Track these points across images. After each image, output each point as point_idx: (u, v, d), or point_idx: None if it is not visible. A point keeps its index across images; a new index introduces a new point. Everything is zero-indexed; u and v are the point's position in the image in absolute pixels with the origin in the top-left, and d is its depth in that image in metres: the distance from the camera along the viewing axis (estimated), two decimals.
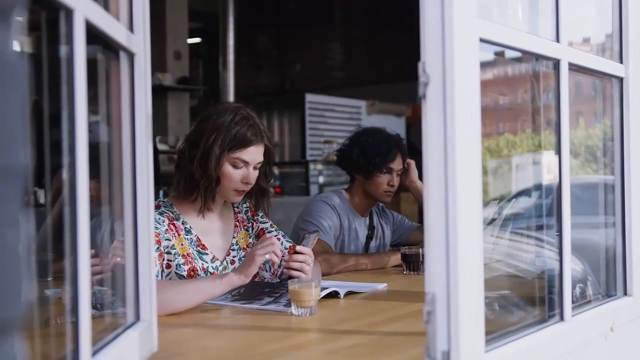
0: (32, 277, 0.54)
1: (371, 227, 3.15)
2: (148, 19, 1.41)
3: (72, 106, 1.01)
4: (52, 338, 1.30)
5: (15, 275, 0.51)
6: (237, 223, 2.38)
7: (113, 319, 1.43)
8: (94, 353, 1.09)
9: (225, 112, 2.20)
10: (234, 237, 2.34)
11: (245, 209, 2.42)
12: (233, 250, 2.33)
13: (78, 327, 1.00)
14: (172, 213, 2.21)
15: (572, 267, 1.58)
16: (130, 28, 1.35)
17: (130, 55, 1.35)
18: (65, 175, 1.02)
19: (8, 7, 0.51)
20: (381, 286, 2.36)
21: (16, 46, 0.53)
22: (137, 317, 1.37)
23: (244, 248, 2.35)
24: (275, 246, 1.99)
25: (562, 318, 1.52)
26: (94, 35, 1.12)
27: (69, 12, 1.00)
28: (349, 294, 2.18)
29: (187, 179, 2.20)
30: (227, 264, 2.28)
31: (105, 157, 1.36)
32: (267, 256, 1.96)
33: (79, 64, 1.02)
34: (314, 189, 7.46)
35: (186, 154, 2.20)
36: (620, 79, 1.82)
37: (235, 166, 2.19)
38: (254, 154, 2.21)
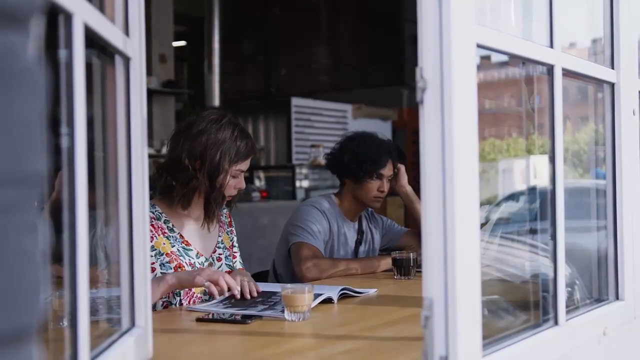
0: (47, 284, 0.54)
1: (360, 232, 3.15)
2: (143, 22, 1.40)
3: (71, 110, 1.00)
4: (46, 344, 1.28)
5: (33, 282, 0.51)
6: (221, 223, 2.47)
7: (107, 325, 1.42)
8: (92, 359, 1.08)
9: (222, 128, 2.27)
10: (219, 236, 2.43)
11: (224, 214, 2.51)
12: (219, 247, 2.41)
13: (77, 333, 0.99)
14: (153, 213, 2.23)
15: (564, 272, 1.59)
16: (126, 32, 1.35)
17: (126, 60, 1.34)
18: (63, 179, 1.01)
19: (26, 13, 0.50)
20: (372, 291, 2.36)
21: (33, 52, 0.52)
22: (133, 323, 1.36)
23: (228, 247, 2.45)
24: (220, 280, 2.04)
25: (556, 322, 1.52)
26: (90, 39, 1.12)
27: (68, 17, 0.99)
28: (343, 297, 2.18)
29: (192, 192, 2.26)
30: (213, 260, 2.37)
31: (99, 161, 1.35)
32: (206, 284, 2.01)
33: (78, 68, 1.01)
34: (300, 193, 7.45)
35: (190, 167, 2.22)
36: (612, 85, 1.83)
37: (234, 177, 2.30)
38: (249, 162, 2.35)
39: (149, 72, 7.57)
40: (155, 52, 7.80)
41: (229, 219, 2.52)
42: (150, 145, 7.31)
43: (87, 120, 1.07)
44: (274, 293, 2.16)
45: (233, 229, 2.52)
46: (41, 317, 0.54)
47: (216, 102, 8.50)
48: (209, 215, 2.31)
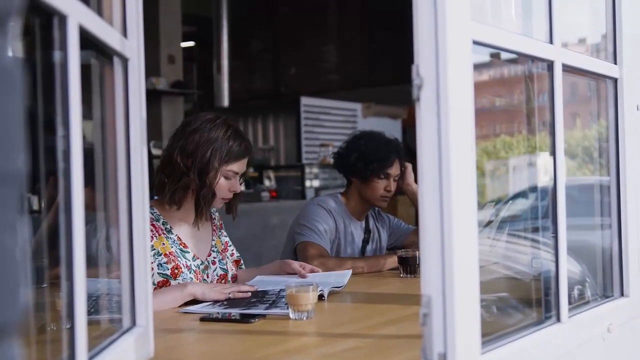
0: (29, 282, 0.55)
1: (367, 231, 3.15)
2: (142, 24, 1.40)
3: (67, 111, 1.01)
4: (46, 344, 1.29)
5: (13, 280, 0.51)
6: (214, 227, 2.50)
7: (108, 324, 1.43)
8: (90, 358, 1.09)
9: (216, 127, 2.30)
10: (213, 240, 2.47)
11: (216, 218, 2.55)
12: (213, 251, 2.44)
13: (74, 333, 1.00)
14: (152, 214, 2.26)
15: (570, 268, 1.58)
16: (124, 33, 1.35)
17: (124, 61, 1.35)
18: (60, 181, 1.02)
19: (4, 14, 0.51)
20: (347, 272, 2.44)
21: (12, 52, 0.53)
22: (133, 322, 1.37)
23: (221, 252, 2.48)
24: (241, 287, 2.20)
25: (558, 319, 1.52)
26: (87, 41, 1.12)
27: (63, 18, 1.00)
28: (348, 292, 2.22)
29: (182, 189, 2.28)
30: (208, 263, 2.40)
31: (100, 163, 1.36)
32: (230, 295, 2.14)
33: (73, 69, 1.02)
34: (310, 193, 7.45)
35: (181, 165, 2.24)
36: (615, 80, 1.82)
37: (226, 178, 2.32)
38: (243, 165, 2.36)
39: (157, 73, 7.59)
40: (164, 53, 7.80)
41: (220, 222, 2.55)
42: (159, 146, 7.31)
43: (88, 122, 1.08)
44: (266, 292, 2.19)
45: (224, 231, 2.56)
46: (22, 315, 0.55)
47: (225, 102, 8.52)
48: (198, 214, 2.33)
